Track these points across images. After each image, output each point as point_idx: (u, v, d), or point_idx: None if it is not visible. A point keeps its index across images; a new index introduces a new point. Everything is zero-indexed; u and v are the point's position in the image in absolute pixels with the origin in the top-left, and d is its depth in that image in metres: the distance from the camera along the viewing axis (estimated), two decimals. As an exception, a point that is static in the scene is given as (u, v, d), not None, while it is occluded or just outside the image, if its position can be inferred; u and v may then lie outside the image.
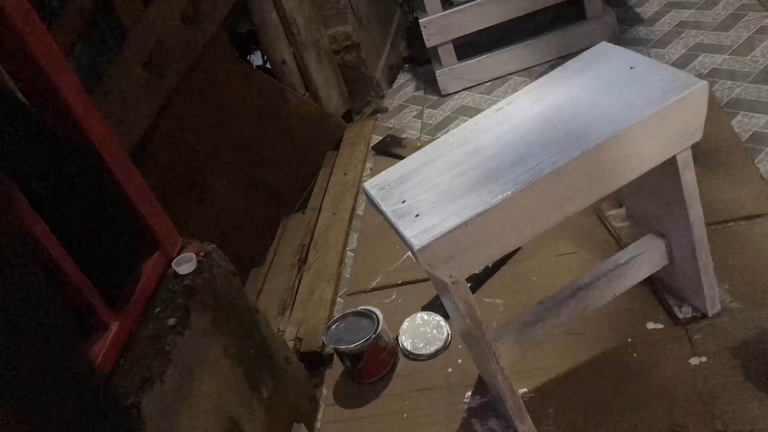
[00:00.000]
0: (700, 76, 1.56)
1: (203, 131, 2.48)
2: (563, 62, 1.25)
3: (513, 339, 1.22)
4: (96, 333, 1.13)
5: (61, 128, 1.15)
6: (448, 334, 1.59)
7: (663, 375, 1.30)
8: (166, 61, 2.28)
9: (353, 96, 2.82)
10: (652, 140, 1.07)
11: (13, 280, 0.78)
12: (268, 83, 2.49)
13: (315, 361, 1.73)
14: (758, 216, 1.53)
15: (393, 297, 1.79)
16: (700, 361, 1.30)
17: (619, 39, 2.48)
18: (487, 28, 2.54)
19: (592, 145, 1.03)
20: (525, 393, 1.38)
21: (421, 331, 1.61)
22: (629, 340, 1.39)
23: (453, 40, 2.58)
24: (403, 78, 3.01)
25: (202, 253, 1.35)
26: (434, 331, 1.60)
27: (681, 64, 2.21)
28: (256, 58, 2.76)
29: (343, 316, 1.60)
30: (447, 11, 2.50)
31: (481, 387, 1.44)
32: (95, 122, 1.17)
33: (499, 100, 1.52)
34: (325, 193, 2.41)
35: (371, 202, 1.17)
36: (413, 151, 1.23)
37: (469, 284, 1.10)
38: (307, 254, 2.16)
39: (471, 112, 2.51)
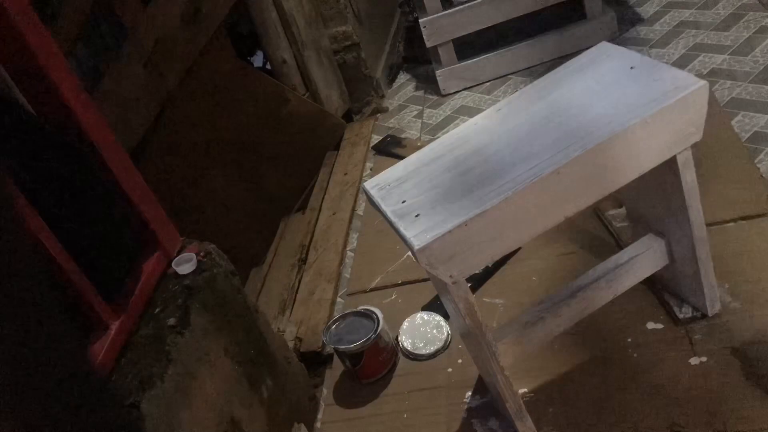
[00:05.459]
0: (700, 76, 1.55)
1: (203, 131, 2.48)
2: (563, 62, 1.25)
3: (513, 339, 1.22)
4: (96, 333, 1.13)
5: (61, 128, 1.15)
6: (448, 334, 1.59)
7: (663, 375, 1.30)
8: (166, 61, 2.28)
9: (353, 96, 2.82)
10: (652, 140, 1.07)
11: (12, 280, 0.78)
12: (268, 83, 2.49)
13: (315, 361, 1.73)
14: (758, 216, 1.53)
15: (393, 297, 1.79)
16: (700, 361, 1.30)
17: (619, 39, 2.48)
18: (487, 28, 2.54)
19: (592, 145, 1.03)
20: (525, 393, 1.38)
21: (421, 331, 1.61)
22: (629, 340, 1.39)
23: (453, 40, 2.58)
24: (403, 78, 3.01)
25: (202, 253, 1.35)
26: (434, 331, 1.60)
27: (681, 64, 2.21)
28: (257, 59, 2.76)
29: (343, 316, 1.60)
30: (447, 11, 2.50)
31: (481, 387, 1.44)
32: (95, 122, 1.17)
33: (499, 100, 1.52)
34: (325, 193, 2.41)
35: (371, 202, 1.17)
36: (413, 151, 1.23)
37: (469, 284, 1.10)
38: (307, 254, 2.16)
39: (471, 112, 2.51)
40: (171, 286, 1.29)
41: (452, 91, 2.68)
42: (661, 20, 2.50)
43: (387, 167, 1.21)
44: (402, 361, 1.60)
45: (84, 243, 1.14)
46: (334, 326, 1.59)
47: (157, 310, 1.24)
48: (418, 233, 1.01)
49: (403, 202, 1.10)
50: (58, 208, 1.10)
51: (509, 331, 1.23)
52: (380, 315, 1.55)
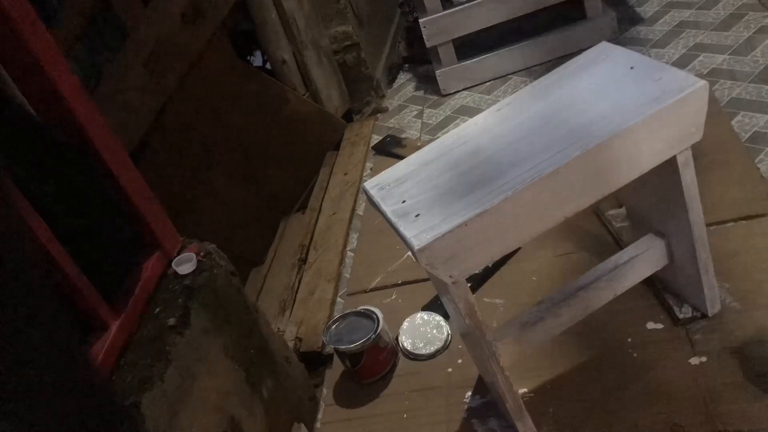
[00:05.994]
0: (700, 76, 1.55)
1: (203, 131, 2.48)
2: (563, 62, 1.25)
3: (513, 339, 1.22)
4: (96, 333, 1.13)
5: (61, 128, 1.15)
6: (448, 334, 1.59)
7: (663, 375, 1.30)
8: (166, 61, 2.28)
9: (353, 96, 2.82)
10: (652, 140, 1.07)
11: (12, 281, 0.78)
12: (268, 83, 2.49)
13: (315, 361, 1.73)
14: (758, 216, 1.53)
15: (393, 297, 1.79)
16: (700, 361, 1.30)
17: (619, 39, 2.48)
18: (487, 28, 2.54)
19: (592, 145, 1.03)
20: (525, 393, 1.38)
21: (421, 331, 1.61)
22: (629, 340, 1.39)
23: (453, 40, 2.58)
24: (403, 78, 3.01)
25: (202, 253, 1.35)
26: (434, 331, 1.60)
27: (681, 64, 2.21)
28: (256, 58, 2.76)
29: (343, 316, 1.60)
30: (447, 11, 2.50)
31: (481, 387, 1.44)
32: (95, 122, 1.17)
33: (499, 100, 1.52)
34: (325, 193, 2.41)
35: (371, 202, 1.17)
36: (413, 151, 1.23)
37: (469, 284, 1.10)
38: (307, 254, 2.16)
39: (471, 112, 2.51)
40: (171, 286, 1.29)
41: (452, 91, 2.68)
42: (661, 20, 2.50)
43: (387, 167, 1.21)
44: (402, 361, 1.60)
45: (84, 243, 1.14)
46: (334, 326, 1.59)
47: (157, 310, 1.24)
48: (418, 233, 1.01)
49: (403, 202, 1.10)
50: (58, 208, 1.10)
51: (509, 331, 1.23)
52: (380, 315, 1.55)
